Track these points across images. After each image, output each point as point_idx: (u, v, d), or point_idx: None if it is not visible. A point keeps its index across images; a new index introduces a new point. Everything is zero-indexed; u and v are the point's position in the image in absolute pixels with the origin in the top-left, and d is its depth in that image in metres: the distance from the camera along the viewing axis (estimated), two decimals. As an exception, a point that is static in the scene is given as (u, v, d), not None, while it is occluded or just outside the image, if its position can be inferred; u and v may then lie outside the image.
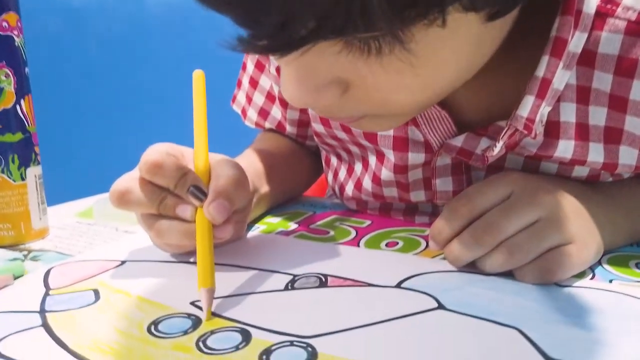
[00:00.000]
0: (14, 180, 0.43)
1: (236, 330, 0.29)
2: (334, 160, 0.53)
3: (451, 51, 0.27)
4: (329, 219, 0.51)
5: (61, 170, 1.30)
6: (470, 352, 0.26)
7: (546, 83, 0.33)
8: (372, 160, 0.47)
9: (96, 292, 0.34)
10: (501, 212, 0.34)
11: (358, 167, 0.50)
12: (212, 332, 0.29)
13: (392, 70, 0.27)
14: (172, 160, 0.34)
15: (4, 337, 0.28)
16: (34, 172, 0.45)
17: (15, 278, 0.36)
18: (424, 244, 0.42)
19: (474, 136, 0.40)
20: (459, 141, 0.40)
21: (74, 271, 0.38)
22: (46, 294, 0.34)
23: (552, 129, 0.37)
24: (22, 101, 0.43)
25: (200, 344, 0.27)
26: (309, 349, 0.27)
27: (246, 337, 0.28)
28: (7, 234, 0.43)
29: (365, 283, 0.35)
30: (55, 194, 0.60)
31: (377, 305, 0.31)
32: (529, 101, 0.34)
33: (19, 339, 0.29)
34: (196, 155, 0.37)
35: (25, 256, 0.41)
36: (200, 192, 0.34)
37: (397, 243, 0.43)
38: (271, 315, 0.30)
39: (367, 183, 0.48)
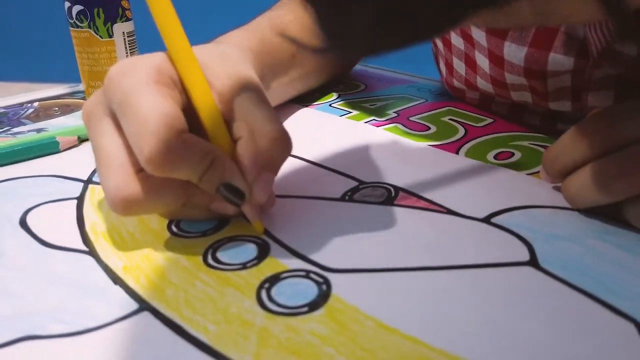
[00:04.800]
0: (101, 37, 0.41)
1: (255, 242, 0.24)
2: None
3: None
4: (439, 110, 0.41)
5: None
6: (558, 345, 0.18)
7: None
8: (481, 59, 0.35)
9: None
10: None
11: (457, 64, 0.38)
12: (231, 239, 0.24)
13: None
14: (190, 142, 0.22)
15: (37, 205, 0.27)
16: (121, 28, 0.42)
17: (82, 140, 0.35)
18: (552, 161, 0.31)
19: None
20: (634, 50, 0.27)
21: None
22: (103, 162, 0.33)
23: None
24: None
25: (209, 253, 0.23)
26: (323, 286, 0.21)
27: (262, 253, 0.23)
28: (96, 92, 0.43)
29: (443, 208, 0.26)
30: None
31: (445, 243, 0.23)
32: None
33: (48, 210, 0.27)
34: (194, 91, 0.23)
35: (106, 118, 0.40)
36: (235, 193, 0.23)
37: (512, 155, 0.32)
38: (306, 231, 0.25)
39: (481, 83, 0.37)
